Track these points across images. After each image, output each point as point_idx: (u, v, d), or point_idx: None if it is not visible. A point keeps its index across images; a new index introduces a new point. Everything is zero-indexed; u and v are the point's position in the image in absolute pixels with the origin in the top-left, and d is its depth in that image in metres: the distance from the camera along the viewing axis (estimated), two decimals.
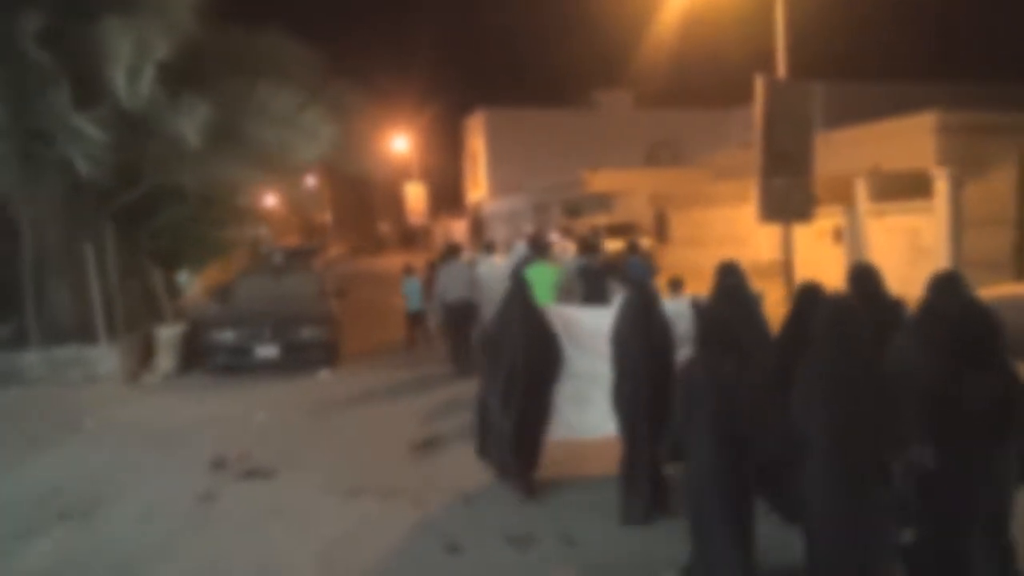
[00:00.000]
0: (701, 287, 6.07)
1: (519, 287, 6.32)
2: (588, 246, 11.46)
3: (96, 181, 10.00)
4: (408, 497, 5.99)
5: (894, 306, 5.15)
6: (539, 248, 10.88)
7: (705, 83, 44.36)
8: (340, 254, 45.43)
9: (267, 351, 11.11)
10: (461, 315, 10.55)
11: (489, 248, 12.78)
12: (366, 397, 9.73)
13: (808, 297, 4.97)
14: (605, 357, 5.67)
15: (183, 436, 8.04)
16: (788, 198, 15.71)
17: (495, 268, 10.78)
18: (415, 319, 13.02)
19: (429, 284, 12.42)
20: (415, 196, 45.57)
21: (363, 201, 62.76)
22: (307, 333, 11.29)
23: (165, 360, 11.53)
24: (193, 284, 18.60)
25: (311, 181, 43.64)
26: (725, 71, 43.38)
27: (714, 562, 4.18)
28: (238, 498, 6.18)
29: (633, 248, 11.75)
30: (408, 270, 13.29)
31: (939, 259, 14.00)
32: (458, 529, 5.36)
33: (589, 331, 6.07)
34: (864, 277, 5.30)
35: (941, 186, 14.46)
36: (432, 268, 12.71)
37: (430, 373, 10.85)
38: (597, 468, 6.19)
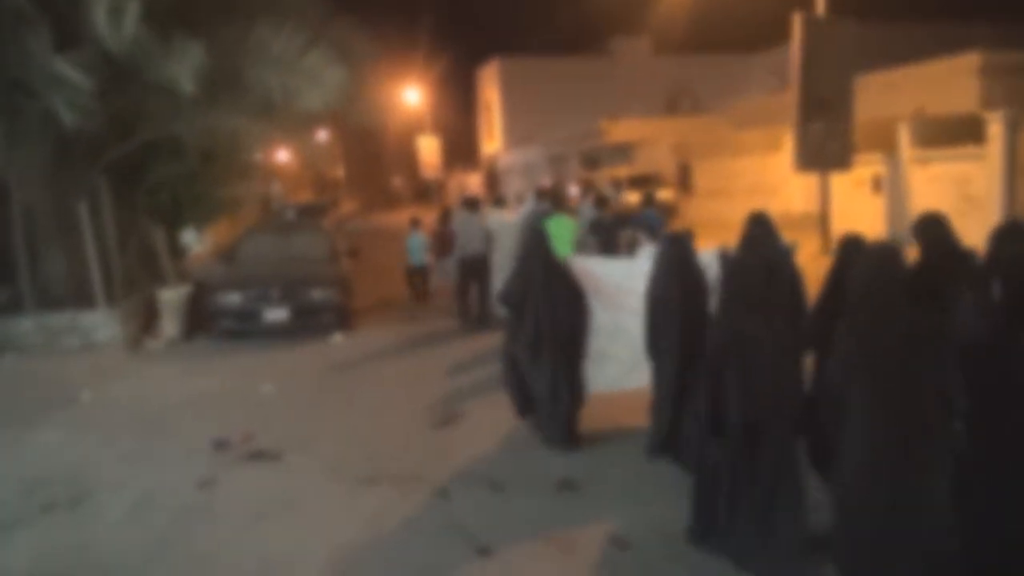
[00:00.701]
0: (727, 240, 5.55)
1: (538, 243, 5.96)
2: (597, 199, 11.33)
3: (85, 134, 9.22)
4: (429, 485, 5.30)
5: (965, 257, 4.47)
6: (557, 200, 10.81)
7: (726, 27, 42.61)
8: (353, 210, 44.61)
9: (275, 315, 10.43)
10: (476, 269, 10.47)
11: (499, 203, 12.61)
12: (380, 363, 9.09)
13: (851, 250, 4.43)
14: (627, 310, 5.52)
15: (183, 412, 7.39)
16: (825, 145, 14.78)
17: (505, 223, 10.71)
18: (417, 274, 12.83)
19: (441, 238, 11.74)
20: (428, 149, 44.45)
21: (376, 156, 61.86)
22: (318, 295, 10.62)
23: (169, 325, 10.86)
24: (203, 243, 17.90)
25: (323, 136, 42.74)
26: (747, 14, 41.64)
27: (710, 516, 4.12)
28: (240, 486, 5.52)
29: (649, 200, 11.59)
30: (414, 223, 12.89)
31: (992, 209, 13.06)
32: (489, 525, 4.67)
33: (610, 284, 5.88)
34: (932, 226, 4.59)
35: (996, 130, 13.41)
36: (445, 219, 11.99)
37: (443, 330, 10.62)
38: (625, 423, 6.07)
